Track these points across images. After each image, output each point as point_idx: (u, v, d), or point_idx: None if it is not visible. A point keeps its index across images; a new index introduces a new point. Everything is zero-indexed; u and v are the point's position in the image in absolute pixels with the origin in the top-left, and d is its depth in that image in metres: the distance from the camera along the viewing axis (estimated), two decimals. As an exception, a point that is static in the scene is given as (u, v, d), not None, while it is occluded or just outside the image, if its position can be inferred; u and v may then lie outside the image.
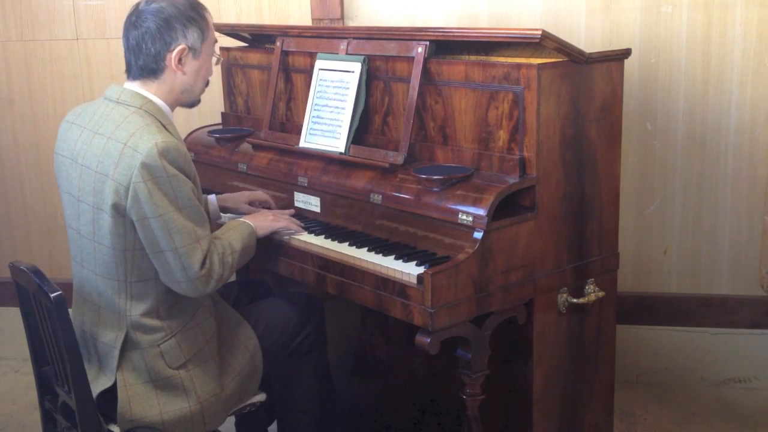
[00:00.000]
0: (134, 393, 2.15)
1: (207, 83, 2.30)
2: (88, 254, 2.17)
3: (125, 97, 2.16)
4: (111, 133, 2.09)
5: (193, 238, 2.08)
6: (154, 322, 2.15)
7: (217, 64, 2.32)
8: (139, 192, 2.02)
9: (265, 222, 2.43)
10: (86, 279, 2.21)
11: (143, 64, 2.17)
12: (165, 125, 2.14)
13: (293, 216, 2.56)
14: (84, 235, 2.16)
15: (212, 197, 2.63)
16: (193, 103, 2.30)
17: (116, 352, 2.15)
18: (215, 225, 2.51)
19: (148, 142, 2.03)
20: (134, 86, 2.19)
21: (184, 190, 2.07)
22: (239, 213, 2.61)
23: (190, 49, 2.19)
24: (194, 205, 2.10)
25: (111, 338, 2.16)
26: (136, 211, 2.04)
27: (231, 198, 2.66)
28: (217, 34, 2.30)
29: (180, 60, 2.18)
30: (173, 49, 2.16)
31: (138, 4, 2.20)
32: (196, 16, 2.19)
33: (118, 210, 2.05)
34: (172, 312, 2.18)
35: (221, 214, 2.65)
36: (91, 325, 2.20)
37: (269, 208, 2.66)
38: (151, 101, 2.16)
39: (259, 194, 2.69)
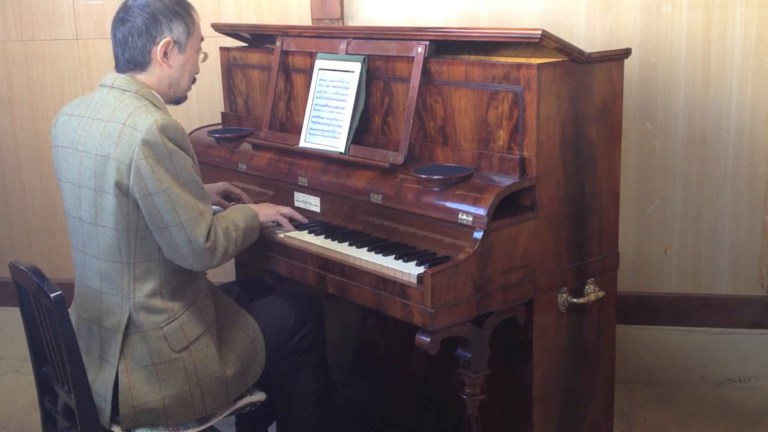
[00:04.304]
0: (135, 378, 2.16)
1: (194, 80, 2.35)
2: (90, 240, 2.19)
3: (120, 83, 2.20)
4: (109, 116, 2.13)
5: (196, 211, 2.12)
6: (158, 304, 2.17)
7: (203, 61, 2.36)
8: (142, 169, 2.05)
9: (267, 209, 2.50)
10: (89, 265, 2.22)
11: (129, 57, 2.22)
12: (160, 108, 2.19)
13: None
14: (86, 220, 2.18)
15: None
16: (179, 100, 2.35)
17: (119, 337, 2.16)
18: None
19: (147, 119, 2.08)
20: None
21: (184, 166, 2.11)
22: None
23: (176, 42, 2.24)
24: (195, 181, 2.15)
25: (114, 323, 2.18)
26: (140, 188, 2.07)
27: (206, 188, 2.68)
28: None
29: (165, 53, 2.23)
30: (158, 42, 2.21)
31: (126, 1, 2.25)
32: (182, 12, 2.25)
33: (121, 189, 2.08)
34: (175, 295, 2.20)
35: None
36: (93, 312, 2.21)
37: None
38: (145, 86, 2.21)
39: (235, 189, 2.72)
